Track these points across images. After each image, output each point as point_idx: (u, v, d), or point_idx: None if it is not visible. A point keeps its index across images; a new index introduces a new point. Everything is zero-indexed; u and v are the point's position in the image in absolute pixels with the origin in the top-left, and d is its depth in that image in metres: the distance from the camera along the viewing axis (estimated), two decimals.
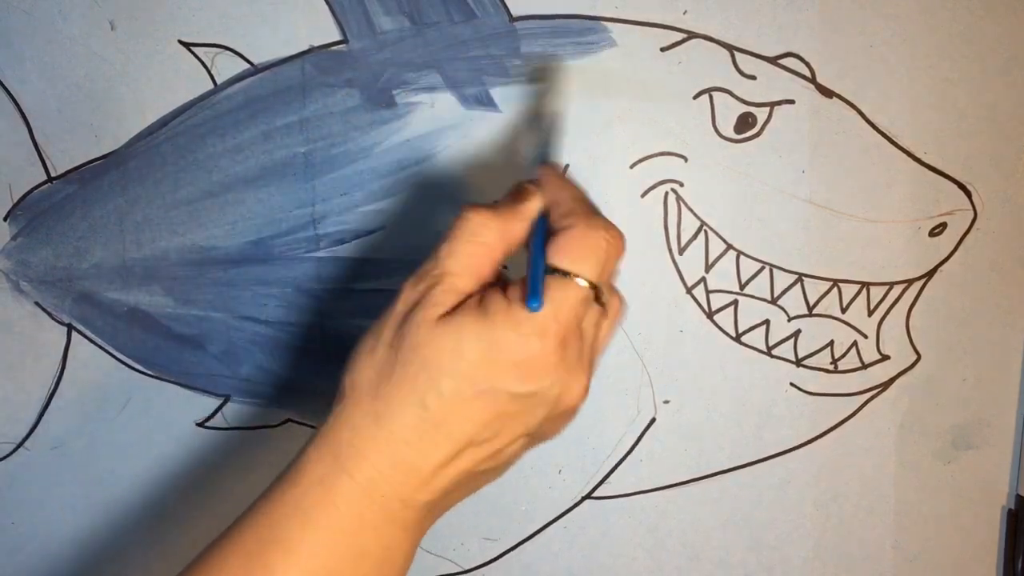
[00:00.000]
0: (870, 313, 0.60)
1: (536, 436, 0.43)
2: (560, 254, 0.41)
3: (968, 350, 0.61)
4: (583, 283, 0.40)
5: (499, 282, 0.43)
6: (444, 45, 0.56)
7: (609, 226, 0.42)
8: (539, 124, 0.52)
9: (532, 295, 0.39)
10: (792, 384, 0.61)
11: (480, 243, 0.42)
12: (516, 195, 0.44)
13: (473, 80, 0.56)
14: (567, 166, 0.57)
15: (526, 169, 0.47)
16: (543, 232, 0.43)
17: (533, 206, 0.44)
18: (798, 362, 0.61)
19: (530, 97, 0.56)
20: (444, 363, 0.39)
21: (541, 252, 0.41)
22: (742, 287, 0.59)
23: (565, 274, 0.40)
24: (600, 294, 0.42)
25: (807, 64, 0.56)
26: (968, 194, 0.59)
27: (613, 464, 0.62)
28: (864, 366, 0.61)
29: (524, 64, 0.55)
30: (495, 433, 0.41)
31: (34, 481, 0.61)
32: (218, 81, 0.56)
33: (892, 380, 0.61)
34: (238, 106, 0.56)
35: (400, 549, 0.42)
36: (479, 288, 0.42)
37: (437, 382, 0.39)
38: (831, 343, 0.60)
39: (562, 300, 0.40)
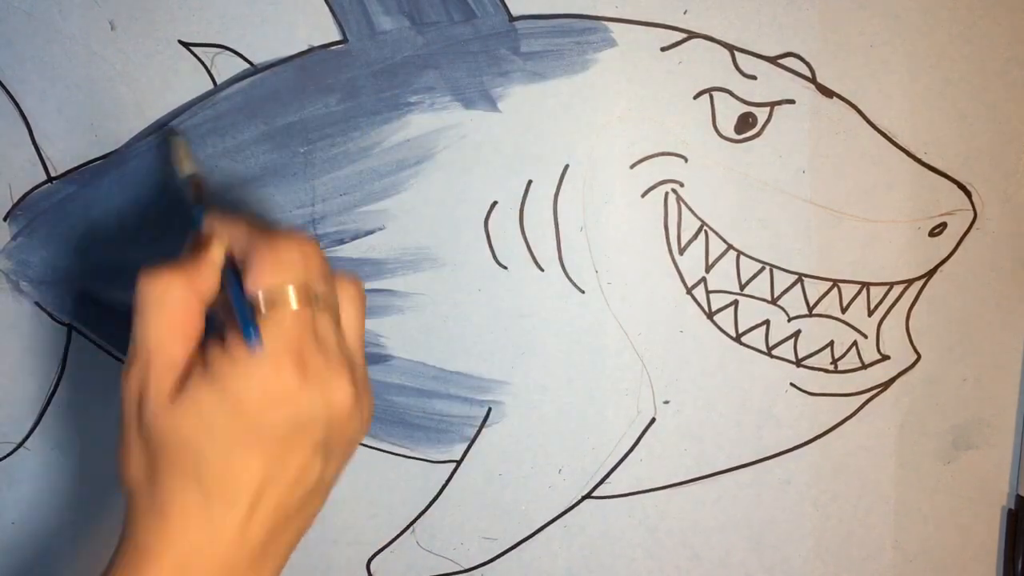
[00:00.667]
0: (870, 313, 0.60)
1: (334, 450, 0.42)
2: (257, 277, 0.40)
3: (968, 350, 0.61)
4: (291, 294, 0.40)
5: (213, 339, 0.42)
6: (444, 45, 0.56)
7: (289, 232, 0.42)
8: (192, 184, 0.51)
9: (247, 336, 0.38)
10: (792, 384, 0.61)
11: (172, 307, 0.41)
12: (193, 247, 0.43)
13: (473, 80, 0.56)
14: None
15: (193, 232, 0.45)
16: (234, 272, 0.42)
17: (216, 252, 0.42)
18: (798, 362, 0.61)
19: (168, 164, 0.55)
20: (197, 437, 0.39)
21: (239, 289, 0.40)
22: (742, 287, 0.59)
23: (271, 296, 0.40)
24: (316, 295, 0.41)
25: (807, 64, 0.56)
26: (968, 194, 0.59)
27: (613, 464, 0.62)
28: (864, 366, 0.61)
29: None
30: (282, 467, 0.40)
31: (34, 481, 0.61)
32: (218, 81, 0.56)
33: (892, 380, 0.61)
34: (238, 106, 0.56)
35: None
36: (194, 345, 0.41)
37: (200, 454, 0.39)
38: (831, 343, 0.60)
39: (279, 324, 0.39)
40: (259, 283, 0.40)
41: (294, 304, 0.40)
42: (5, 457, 0.61)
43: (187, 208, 0.47)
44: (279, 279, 0.40)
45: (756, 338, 0.60)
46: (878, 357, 0.61)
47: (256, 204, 0.57)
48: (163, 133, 0.56)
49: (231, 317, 0.40)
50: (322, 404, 0.40)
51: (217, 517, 0.40)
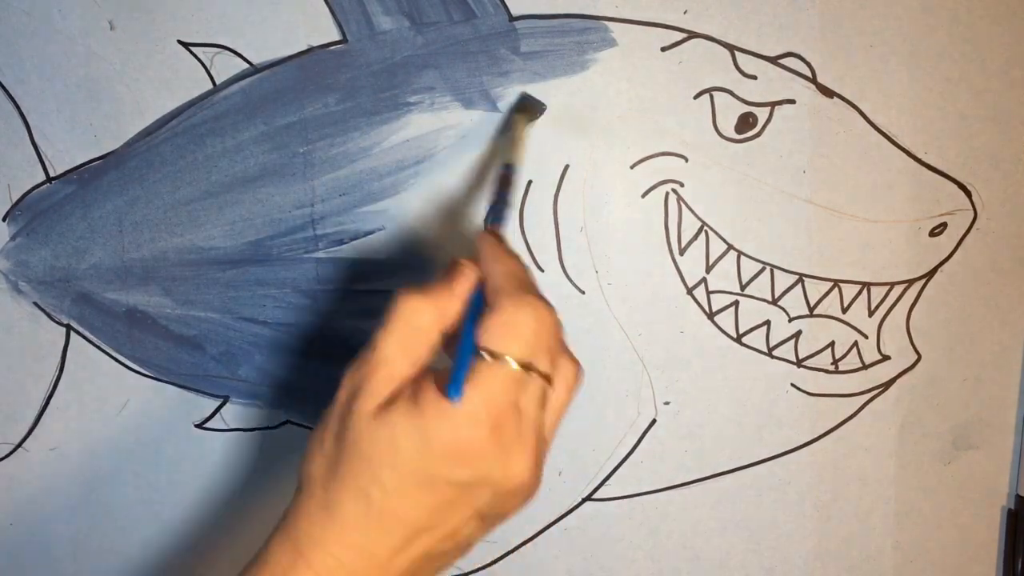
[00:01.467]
0: (871, 313, 0.60)
1: (490, 516, 0.43)
2: (486, 335, 0.41)
3: (968, 350, 0.61)
4: (512, 364, 0.40)
5: (435, 371, 0.43)
6: (444, 45, 0.56)
7: (537, 303, 0.42)
8: (500, 178, 0.52)
9: (453, 385, 0.39)
10: (793, 385, 0.61)
11: (415, 328, 0.42)
12: (451, 273, 0.44)
13: (473, 80, 0.56)
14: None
15: (479, 228, 0.46)
16: (476, 310, 0.42)
17: (466, 285, 0.44)
18: (799, 363, 0.61)
19: (488, 150, 0.56)
20: (383, 457, 0.40)
21: (469, 335, 0.41)
22: (743, 288, 0.59)
23: (494, 356, 0.40)
24: (536, 371, 0.41)
25: (807, 64, 0.56)
26: (968, 194, 0.59)
27: (613, 466, 0.62)
28: (865, 366, 0.61)
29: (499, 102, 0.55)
30: (443, 519, 0.41)
31: (33, 481, 0.61)
32: (217, 81, 0.56)
33: (893, 380, 0.61)
34: (237, 106, 0.56)
35: None
36: (417, 371, 0.42)
37: (378, 475, 0.40)
38: (832, 344, 0.60)
39: (490, 384, 0.40)
40: (487, 341, 0.41)
41: (510, 370, 0.40)
42: (4, 457, 0.61)
43: (491, 194, 0.48)
44: (508, 348, 0.41)
45: (757, 339, 0.60)
46: (879, 357, 0.61)
47: (255, 204, 0.57)
48: (519, 100, 0.56)
49: (453, 358, 0.41)
50: (500, 472, 0.41)
51: (373, 539, 0.41)
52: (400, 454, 0.40)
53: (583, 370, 0.45)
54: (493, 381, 0.40)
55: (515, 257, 0.45)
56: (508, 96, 0.56)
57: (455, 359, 0.41)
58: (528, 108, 0.56)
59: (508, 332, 0.41)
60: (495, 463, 0.40)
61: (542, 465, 0.43)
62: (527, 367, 0.41)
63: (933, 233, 0.59)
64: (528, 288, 0.43)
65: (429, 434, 0.39)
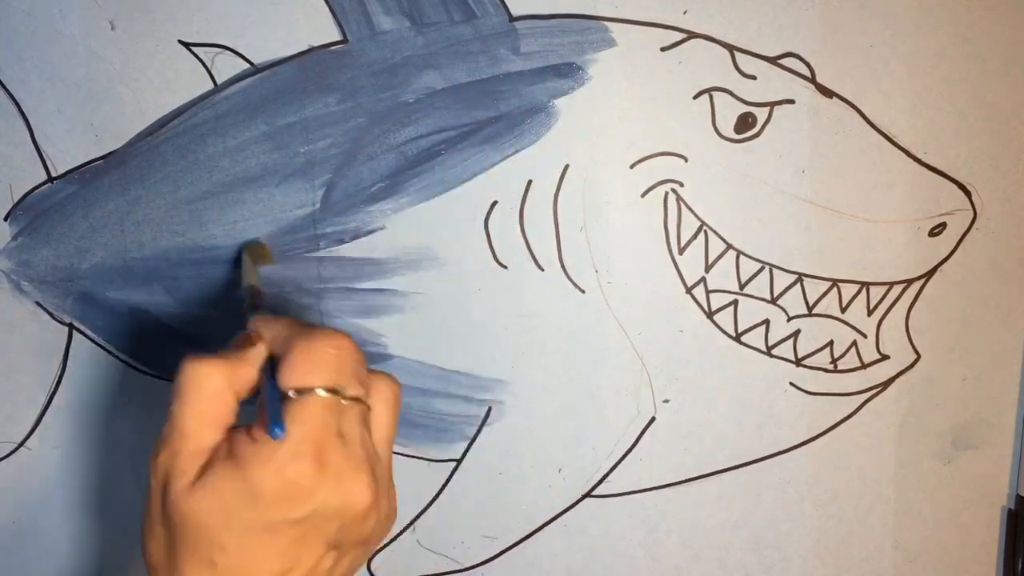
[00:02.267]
0: (870, 313, 0.60)
1: (348, 545, 0.43)
2: (289, 375, 0.41)
3: (968, 350, 0.61)
4: (321, 393, 0.40)
5: (243, 426, 0.42)
6: (444, 45, 0.56)
7: (327, 333, 0.42)
8: (250, 294, 0.53)
9: (273, 423, 0.39)
10: (792, 384, 0.61)
11: (210, 394, 0.42)
12: (240, 343, 0.44)
13: (473, 80, 0.56)
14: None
15: (244, 317, 0.48)
16: (272, 367, 0.43)
17: (259, 350, 0.43)
18: (798, 362, 0.61)
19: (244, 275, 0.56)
20: (215, 522, 0.39)
21: (272, 383, 0.41)
22: (742, 287, 0.59)
23: (301, 391, 0.40)
24: (345, 394, 0.42)
25: (807, 64, 0.56)
26: (968, 194, 0.59)
27: (613, 463, 0.62)
28: (864, 366, 0.61)
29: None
30: (296, 561, 0.41)
31: (35, 481, 0.61)
32: (218, 81, 0.56)
33: (892, 380, 0.61)
34: (238, 106, 0.56)
35: None
36: (223, 435, 0.42)
37: (216, 540, 0.40)
38: (831, 343, 0.60)
39: (303, 418, 0.40)
40: (291, 380, 0.41)
41: (320, 402, 0.40)
42: (6, 457, 0.61)
43: (242, 313, 0.49)
44: (309, 377, 0.41)
45: (756, 338, 0.60)
46: (878, 357, 0.61)
47: (257, 204, 0.57)
48: (244, 243, 0.58)
49: (263, 409, 0.41)
50: (338, 500, 0.40)
51: None
52: (231, 512, 0.39)
53: (399, 384, 0.45)
54: (306, 414, 0.40)
55: (289, 314, 0.46)
56: (508, 96, 0.56)
57: (266, 405, 0.40)
58: (253, 254, 0.57)
59: (309, 365, 0.41)
60: (329, 493, 0.40)
61: (384, 481, 0.43)
62: (336, 393, 0.41)
63: (933, 233, 0.59)
64: (317, 328, 0.43)
65: (254, 482, 0.39)
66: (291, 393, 0.40)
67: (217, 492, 0.39)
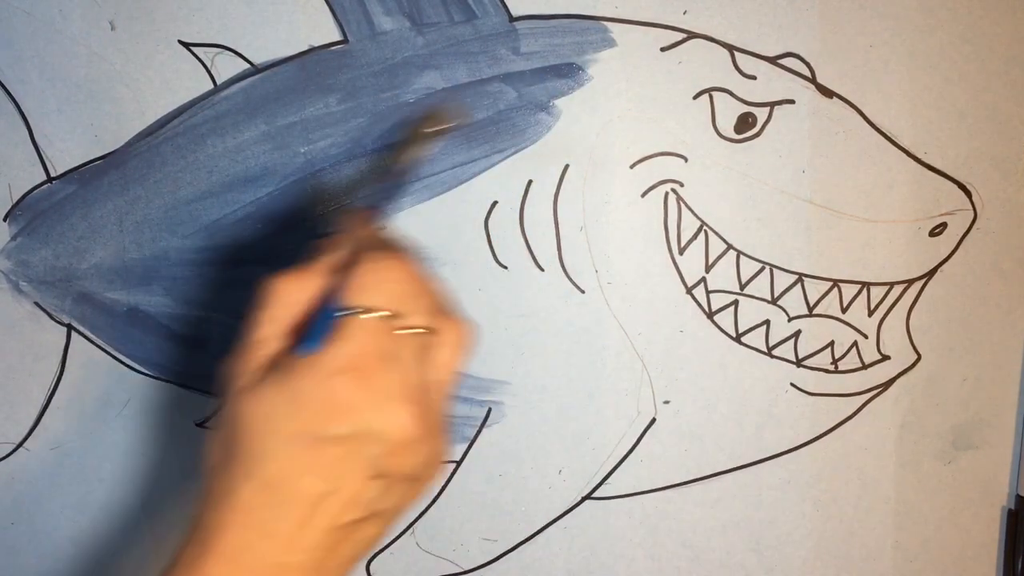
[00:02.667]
0: (870, 313, 0.60)
1: (391, 476, 0.42)
2: (353, 292, 0.41)
3: (968, 350, 0.62)
4: (377, 313, 0.40)
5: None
6: (444, 45, 0.56)
7: (404, 258, 0.42)
8: (392, 170, 0.52)
9: (308, 338, 0.39)
10: (792, 384, 0.61)
11: (286, 305, 0.42)
12: (321, 250, 0.44)
13: (473, 80, 0.56)
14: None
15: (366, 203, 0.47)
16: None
17: (332, 258, 0.43)
18: (798, 362, 0.61)
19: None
20: (263, 428, 0.40)
21: (330, 294, 0.41)
22: (742, 287, 0.59)
23: (360, 309, 0.40)
24: (409, 324, 0.41)
25: (807, 64, 0.56)
26: (968, 194, 0.59)
27: (613, 464, 0.62)
28: (864, 366, 0.61)
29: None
30: (338, 481, 0.40)
31: (34, 481, 0.61)
32: (218, 81, 0.56)
33: (892, 380, 0.61)
34: (238, 106, 0.56)
35: None
36: (291, 345, 0.42)
37: (263, 448, 0.40)
38: (831, 343, 0.60)
39: (354, 334, 0.40)
40: (352, 296, 0.41)
41: (374, 323, 0.40)
42: (5, 457, 0.61)
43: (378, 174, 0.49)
44: (372, 298, 0.40)
45: (756, 338, 0.60)
46: (878, 357, 0.61)
47: (256, 204, 0.57)
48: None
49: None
50: (380, 423, 0.40)
51: (272, 516, 0.40)
52: (277, 420, 0.39)
53: (475, 330, 0.44)
54: (357, 330, 0.40)
55: (379, 224, 0.45)
56: (508, 96, 0.56)
57: (318, 318, 0.40)
58: (435, 117, 0.54)
59: (373, 284, 0.41)
60: (371, 412, 0.40)
61: (433, 419, 0.42)
62: (394, 317, 0.40)
63: (933, 233, 0.59)
64: (396, 248, 0.43)
65: (297, 393, 0.39)
66: (348, 309, 0.40)
67: (265, 399, 0.40)
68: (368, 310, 0.40)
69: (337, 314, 0.40)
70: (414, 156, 0.52)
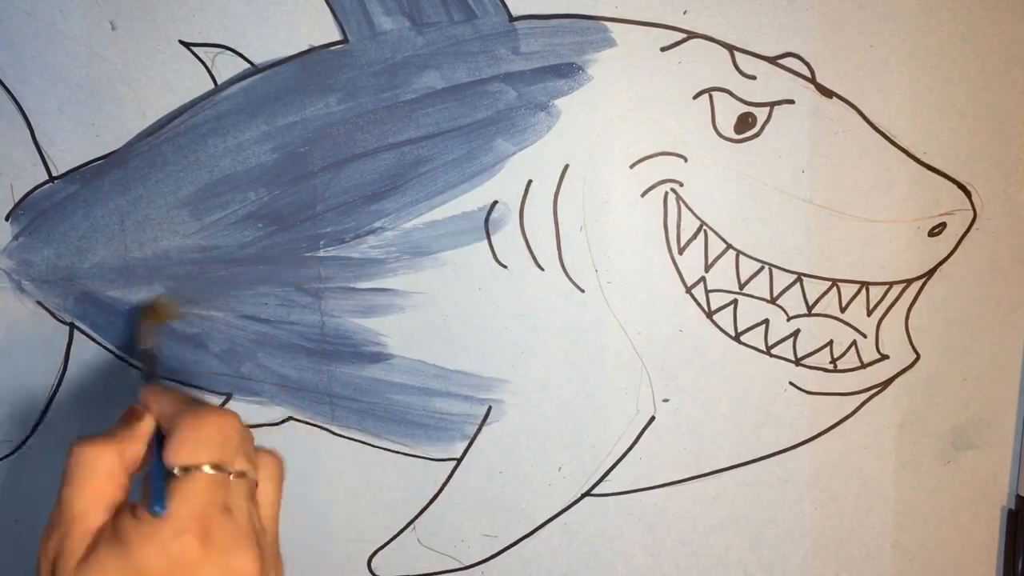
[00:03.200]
0: (869, 313, 0.60)
1: None
2: (175, 453, 0.41)
3: (968, 350, 0.61)
4: (208, 470, 0.41)
5: (129, 504, 0.43)
6: (444, 45, 0.56)
7: (213, 410, 0.43)
8: (145, 357, 0.55)
9: (155, 500, 0.40)
10: (791, 383, 0.61)
11: (100, 475, 0.42)
12: (127, 418, 0.45)
13: (473, 80, 0.56)
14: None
15: (134, 392, 0.49)
16: (159, 443, 0.43)
17: (146, 425, 0.45)
18: (797, 361, 0.61)
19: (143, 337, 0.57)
20: None
21: (159, 459, 0.42)
22: (741, 287, 0.59)
23: (188, 468, 0.41)
24: (229, 471, 0.42)
25: (807, 64, 0.56)
26: (968, 194, 0.59)
27: (613, 462, 0.62)
28: (863, 365, 0.61)
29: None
30: None
31: (37, 480, 0.62)
32: (219, 81, 0.56)
33: (891, 380, 0.61)
34: (239, 106, 0.57)
35: None
36: (112, 516, 0.42)
37: None
38: (830, 343, 0.60)
39: (188, 494, 0.40)
40: (176, 457, 0.41)
41: (206, 478, 0.41)
42: (7, 456, 0.61)
43: (135, 377, 0.51)
44: (195, 455, 0.41)
45: (755, 337, 0.60)
46: (877, 357, 0.61)
47: (257, 203, 0.57)
48: (142, 302, 0.59)
49: (149, 486, 0.42)
50: (224, 574, 0.41)
51: None
52: None
53: (283, 462, 0.46)
54: (192, 490, 0.40)
55: (179, 389, 0.47)
56: (508, 96, 0.56)
57: (151, 483, 0.41)
58: (155, 312, 0.58)
59: (195, 443, 0.42)
60: (214, 568, 0.40)
61: (271, 553, 0.44)
62: (221, 469, 0.42)
63: (932, 233, 0.59)
64: (203, 405, 0.44)
65: (137, 560, 0.39)
66: (176, 470, 0.41)
67: (102, 571, 0.39)
68: (198, 466, 0.41)
69: (171, 473, 0.41)
70: (151, 342, 0.55)
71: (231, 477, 0.42)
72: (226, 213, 0.58)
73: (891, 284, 0.60)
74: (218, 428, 0.43)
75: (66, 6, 0.55)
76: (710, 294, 0.59)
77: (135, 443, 0.44)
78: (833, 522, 0.63)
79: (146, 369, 0.53)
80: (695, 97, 0.57)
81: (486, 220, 0.58)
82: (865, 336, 0.60)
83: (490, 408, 0.61)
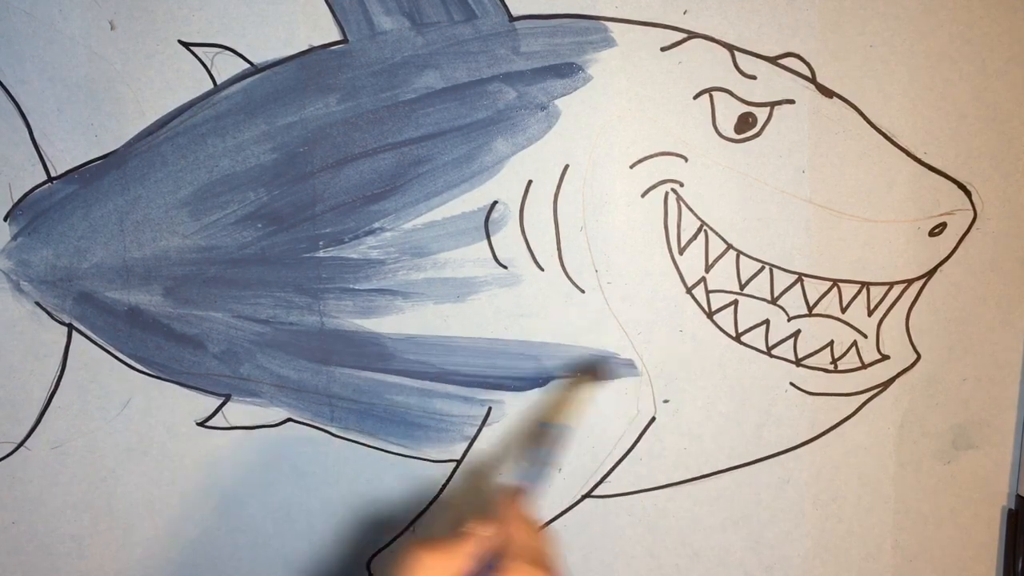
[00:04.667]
0: (870, 313, 0.60)
1: None
2: None
3: (968, 350, 0.61)
4: None
5: None
6: (444, 45, 0.56)
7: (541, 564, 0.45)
8: (543, 437, 0.55)
9: None
10: (792, 384, 0.61)
11: None
12: (470, 539, 0.47)
13: (473, 80, 0.56)
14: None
15: (515, 478, 0.50)
16: (489, 566, 0.45)
17: (480, 545, 0.46)
18: (798, 362, 0.61)
19: (536, 407, 0.59)
20: None
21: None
22: (742, 287, 0.59)
23: None
24: None
25: (807, 64, 0.56)
26: (968, 194, 0.59)
27: (613, 463, 0.62)
28: (864, 366, 0.61)
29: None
30: None
31: (35, 480, 0.61)
32: (218, 81, 0.56)
33: (892, 380, 0.61)
34: (238, 106, 0.56)
35: None
36: None
37: None
38: (831, 343, 0.60)
39: None
40: None
41: None
42: (6, 457, 0.61)
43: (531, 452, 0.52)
44: None
45: (756, 337, 0.60)
46: (878, 357, 0.61)
47: (256, 204, 0.57)
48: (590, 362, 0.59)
49: None
50: None
51: None
52: None
53: None
54: None
55: (534, 525, 0.48)
56: (508, 96, 0.56)
57: None
58: (597, 371, 0.58)
59: None
60: None
61: None
62: None
63: (933, 233, 0.59)
64: (540, 562, 0.46)
65: None
66: None
67: None
68: None
69: None
70: (573, 413, 0.55)
71: None
72: (225, 213, 0.58)
73: (891, 284, 0.60)
74: None
75: (65, 6, 0.55)
76: (710, 294, 0.59)
77: (462, 560, 0.46)
78: (833, 522, 0.63)
79: (534, 461, 0.53)
80: (695, 97, 0.57)
81: (486, 220, 0.58)
82: (866, 336, 0.60)
83: (490, 409, 0.61)
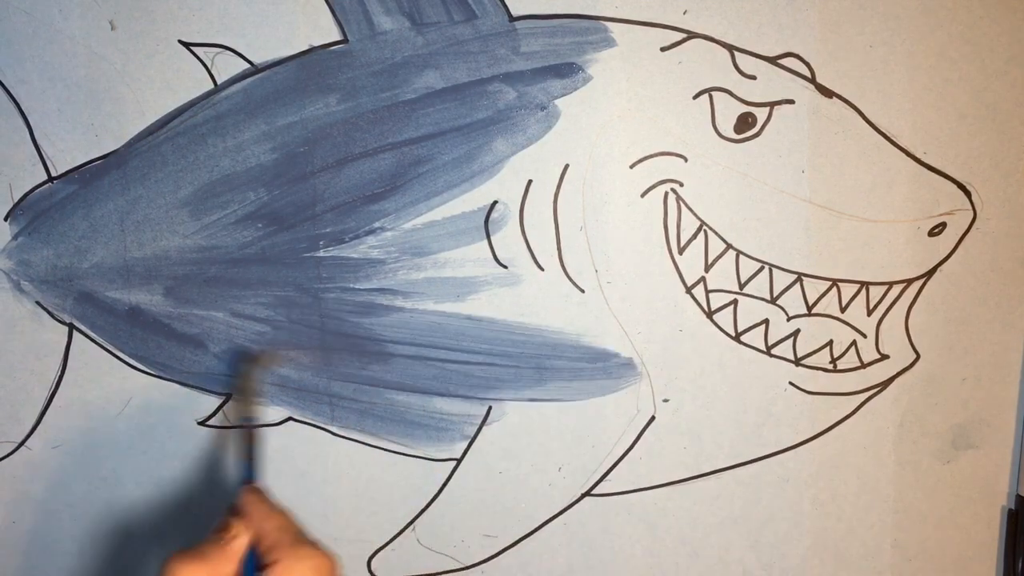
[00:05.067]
0: (869, 313, 0.60)
1: None
2: None
3: (968, 350, 0.61)
4: None
5: None
6: (444, 45, 0.56)
7: (314, 554, 0.44)
8: (242, 435, 0.55)
9: None
10: (791, 383, 0.61)
11: None
12: (221, 533, 0.46)
13: (473, 80, 0.56)
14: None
15: (231, 488, 0.50)
16: (252, 565, 0.45)
17: (239, 544, 0.46)
18: (797, 361, 0.61)
19: (230, 407, 0.59)
20: None
21: None
22: (741, 287, 0.59)
23: None
24: None
25: (807, 64, 0.56)
26: (968, 194, 0.59)
27: (613, 462, 0.62)
28: (863, 365, 0.61)
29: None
30: None
31: (35, 480, 0.61)
32: (218, 81, 0.56)
33: (891, 379, 0.61)
34: (238, 106, 0.56)
35: None
36: None
37: None
38: (830, 342, 0.60)
39: None
40: None
41: None
42: (6, 456, 0.61)
43: (237, 469, 0.51)
44: None
45: (755, 337, 0.60)
46: (877, 356, 0.61)
47: (256, 203, 0.57)
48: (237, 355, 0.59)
49: None
50: None
51: None
52: None
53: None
54: None
55: (282, 511, 0.47)
56: (508, 96, 0.56)
57: None
58: (257, 358, 0.58)
59: None
60: None
61: None
62: None
63: (932, 233, 0.59)
64: (303, 540, 0.45)
65: None
66: None
67: None
68: None
69: None
70: (252, 406, 0.56)
71: None
72: (225, 213, 0.58)
73: (891, 284, 0.60)
74: (315, 571, 0.44)
75: (65, 6, 0.55)
76: (710, 294, 0.59)
77: (228, 563, 0.45)
78: (832, 521, 0.63)
79: (247, 458, 0.54)
80: (695, 97, 0.57)
81: (486, 220, 0.58)
82: (865, 336, 0.60)
83: (490, 408, 0.61)
